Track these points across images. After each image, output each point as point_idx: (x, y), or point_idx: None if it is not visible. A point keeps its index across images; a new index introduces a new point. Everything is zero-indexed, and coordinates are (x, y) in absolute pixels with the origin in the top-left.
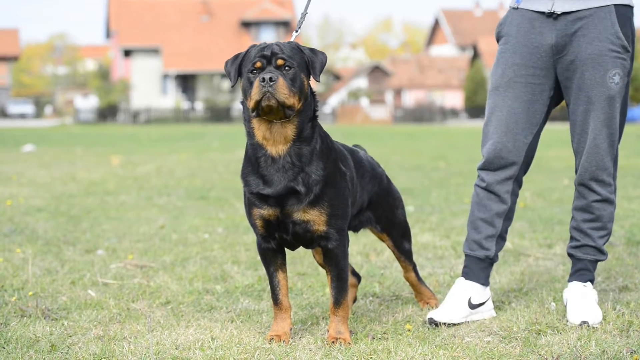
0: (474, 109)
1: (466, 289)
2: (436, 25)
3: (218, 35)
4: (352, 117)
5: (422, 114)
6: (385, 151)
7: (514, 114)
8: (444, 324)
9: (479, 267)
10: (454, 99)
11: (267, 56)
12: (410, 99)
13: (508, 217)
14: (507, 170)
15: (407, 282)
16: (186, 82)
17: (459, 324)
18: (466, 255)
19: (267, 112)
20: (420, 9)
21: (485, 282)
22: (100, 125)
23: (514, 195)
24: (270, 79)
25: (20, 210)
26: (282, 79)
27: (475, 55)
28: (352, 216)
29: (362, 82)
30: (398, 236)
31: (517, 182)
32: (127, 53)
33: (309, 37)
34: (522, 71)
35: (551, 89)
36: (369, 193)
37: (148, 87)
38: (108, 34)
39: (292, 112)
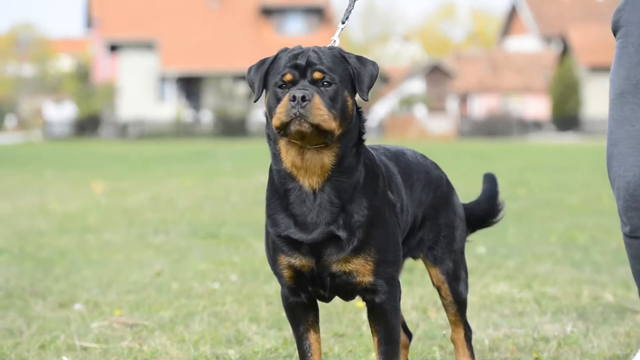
0: (564, 120)
1: None
2: (513, 12)
3: (231, 26)
4: (404, 131)
5: (495, 127)
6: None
7: None
8: None
9: None
10: (537, 107)
11: (301, 67)
12: (479, 107)
13: None
14: None
15: (453, 345)
16: (190, 87)
17: None
18: None
19: (297, 138)
20: None
21: None
22: (78, 142)
23: None
24: (303, 98)
25: None
26: (318, 97)
27: (565, 50)
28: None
29: (417, 86)
30: (452, 272)
31: None
32: (114, 48)
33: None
34: None
35: None
36: (422, 205)
37: (140, 93)
38: (88, 24)
39: (330, 139)
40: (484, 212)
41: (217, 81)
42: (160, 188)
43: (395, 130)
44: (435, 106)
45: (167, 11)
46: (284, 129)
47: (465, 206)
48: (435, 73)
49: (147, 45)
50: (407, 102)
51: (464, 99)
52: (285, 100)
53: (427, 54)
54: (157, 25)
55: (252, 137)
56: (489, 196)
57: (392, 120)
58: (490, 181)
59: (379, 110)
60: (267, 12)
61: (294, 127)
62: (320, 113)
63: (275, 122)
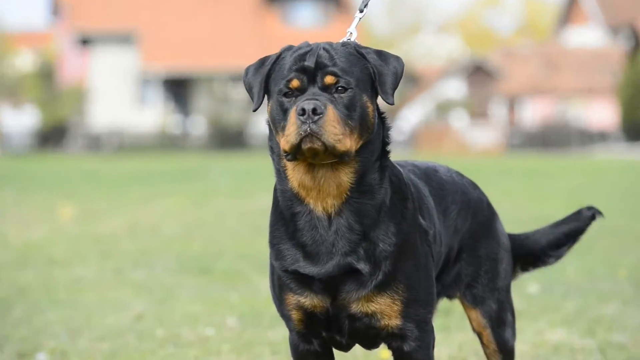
0: (635, 129)
1: None
2: None
3: (228, 16)
4: (438, 143)
5: (550, 138)
6: (491, 196)
7: None
8: None
9: None
10: (602, 114)
11: (310, 70)
12: (532, 113)
13: None
14: None
15: None
16: (178, 89)
17: None
18: None
19: (309, 156)
20: None
21: None
22: (41, 157)
23: None
24: (314, 111)
25: None
26: (332, 109)
27: (637, 44)
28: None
29: (455, 88)
30: (495, 315)
31: None
32: (85, 42)
33: (369, 16)
34: None
35: None
36: (458, 233)
37: (118, 97)
38: (54, 12)
39: (348, 157)
40: (544, 248)
41: (211, 83)
42: (142, 212)
43: (429, 142)
44: (478, 113)
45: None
46: (294, 152)
47: (515, 237)
48: (478, 73)
49: (125, 39)
50: (444, 108)
51: (512, 104)
52: (292, 116)
53: (468, 49)
54: (139, 15)
55: (252, 150)
56: (566, 233)
57: (425, 130)
58: (579, 218)
59: (407, 117)
60: (274, 4)
61: (305, 146)
62: (335, 132)
63: (284, 145)
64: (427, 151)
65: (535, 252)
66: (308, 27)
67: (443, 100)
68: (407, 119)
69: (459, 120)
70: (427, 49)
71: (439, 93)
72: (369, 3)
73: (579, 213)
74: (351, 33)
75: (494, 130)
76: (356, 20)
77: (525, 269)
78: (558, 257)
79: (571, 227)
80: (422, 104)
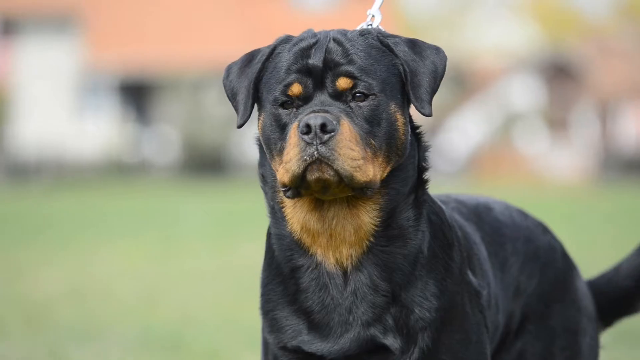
0: None
1: None
2: None
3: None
4: (498, 168)
5: None
6: (575, 248)
7: None
8: None
9: None
10: None
11: (316, 69)
12: (634, 127)
13: None
14: None
15: None
16: (135, 94)
17: None
18: None
19: (317, 190)
20: None
21: None
22: None
23: None
24: (324, 127)
25: None
26: (348, 124)
27: None
28: None
29: (524, 92)
30: None
31: None
32: (8, 28)
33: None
34: None
35: None
36: (521, 295)
37: (52, 105)
38: None
39: (371, 190)
40: (629, 288)
41: (181, 86)
42: (87, 269)
43: (488, 167)
44: (556, 126)
45: None
46: (297, 185)
47: (593, 283)
48: (557, 71)
49: (63, 24)
50: (510, 121)
51: (604, 114)
52: (293, 135)
53: (544, 37)
54: None
55: (236, 179)
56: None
57: (488, 152)
58: None
59: (456, 136)
60: None
61: (311, 176)
62: (353, 155)
63: (283, 175)
64: (483, 179)
65: (625, 294)
66: (317, 11)
67: (511, 113)
68: (452, 138)
69: (530, 137)
70: (483, 37)
71: (500, 98)
72: None
73: None
74: (373, 16)
75: (579, 152)
76: (378, 3)
77: (609, 322)
78: None
79: None
80: (473, 113)
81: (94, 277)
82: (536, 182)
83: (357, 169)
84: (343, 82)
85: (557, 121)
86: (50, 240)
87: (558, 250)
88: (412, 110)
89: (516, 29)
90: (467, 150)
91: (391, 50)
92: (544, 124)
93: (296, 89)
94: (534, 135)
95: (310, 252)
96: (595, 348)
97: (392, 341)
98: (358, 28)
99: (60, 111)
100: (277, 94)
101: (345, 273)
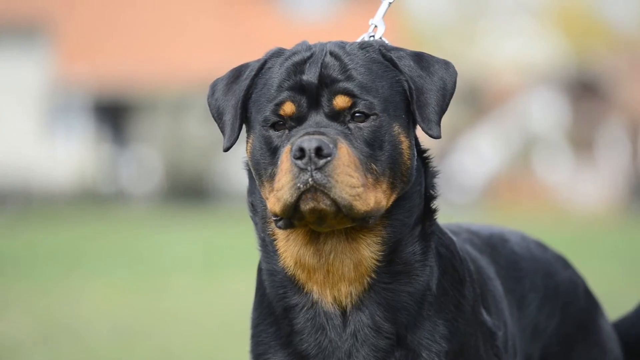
0: None
1: None
2: None
3: (191, 4)
4: (516, 197)
5: None
6: (600, 276)
7: None
8: None
9: None
10: None
11: (311, 86)
12: None
13: None
14: None
15: None
16: (114, 115)
17: None
18: None
19: (312, 221)
20: None
21: None
22: None
23: None
24: (319, 151)
25: None
26: (346, 147)
27: None
28: None
29: (545, 112)
30: None
31: None
32: None
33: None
34: None
35: None
36: (540, 335)
37: (17, 126)
38: None
39: (372, 220)
40: None
41: (160, 104)
42: (58, 308)
43: (501, 197)
44: (582, 148)
45: None
46: (289, 215)
47: (618, 325)
48: (584, 87)
49: (29, 33)
50: (528, 143)
51: (635, 134)
52: (286, 160)
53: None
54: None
55: (222, 206)
56: None
57: (506, 179)
58: None
59: (467, 160)
60: None
61: (305, 206)
62: (352, 182)
63: (274, 204)
64: (499, 213)
65: None
66: (315, 19)
67: (531, 134)
68: (465, 163)
69: (554, 164)
70: (499, 49)
71: (519, 120)
72: None
73: None
74: (376, 26)
75: (606, 178)
76: (384, 6)
77: None
78: None
79: None
80: (490, 137)
81: (66, 317)
82: (559, 212)
83: (357, 198)
84: (341, 101)
85: (582, 143)
86: (16, 277)
87: (580, 287)
88: (419, 131)
89: (537, 40)
90: (481, 177)
91: (395, 65)
92: (568, 147)
93: (288, 108)
94: (557, 160)
95: (306, 289)
96: None
97: None
98: (358, 40)
99: (27, 132)
100: (268, 113)
101: (344, 313)
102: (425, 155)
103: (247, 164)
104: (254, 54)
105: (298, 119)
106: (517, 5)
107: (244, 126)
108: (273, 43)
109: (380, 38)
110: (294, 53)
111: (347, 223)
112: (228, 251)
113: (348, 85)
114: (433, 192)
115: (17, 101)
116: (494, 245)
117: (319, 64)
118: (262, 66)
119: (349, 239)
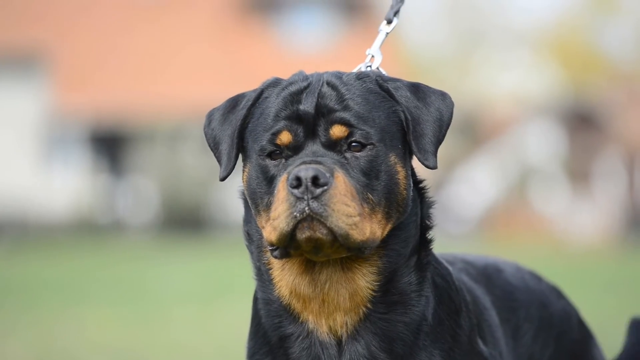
0: None
1: None
2: None
3: (185, 29)
4: (513, 228)
5: None
6: (595, 308)
7: None
8: None
9: None
10: None
11: (307, 116)
12: None
13: None
14: None
15: None
16: (111, 145)
17: None
18: None
19: (308, 250)
20: None
21: None
22: None
23: None
24: (316, 180)
25: None
26: (342, 177)
27: None
28: None
29: (542, 143)
30: None
31: None
32: None
33: (403, 30)
34: None
35: None
36: None
37: (14, 156)
38: None
39: (368, 250)
40: None
41: (159, 134)
42: (53, 341)
43: (497, 228)
44: (578, 179)
45: (67, 2)
46: (285, 244)
47: None
48: (580, 119)
49: (26, 64)
50: (525, 175)
51: (632, 165)
52: (282, 189)
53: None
54: (47, 25)
55: (219, 236)
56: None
57: (494, 209)
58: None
59: (464, 191)
60: (261, 7)
61: (302, 235)
62: (348, 212)
63: (270, 233)
64: (495, 244)
65: None
66: (312, 47)
67: (528, 164)
68: (461, 194)
69: (551, 195)
70: (496, 80)
71: (515, 151)
72: (400, 9)
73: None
74: (373, 56)
75: (603, 209)
76: (381, 36)
77: None
78: None
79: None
80: (487, 168)
81: (61, 350)
82: (555, 243)
83: (353, 227)
84: (337, 131)
85: (579, 175)
86: (11, 309)
87: (574, 317)
88: (415, 162)
89: (534, 71)
90: (477, 207)
91: (391, 96)
92: (565, 178)
93: (285, 137)
94: (553, 191)
95: (301, 319)
96: None
97: None
98: (355, 70)
99: (24, 162)
100: (264, 143)
101: (339, 343)
102: (421, 185)
103: (243, 193)
104: (250, 84)
105: (295, 149)
106: (514, 37)
107: (240, 156)
108: (269, 73)
109: (377, 68)
110: (290, 83)
111: (343, 252)
112: (225, 281)
113: (345, 115)
114: (429, 223)
115: (14, 131)
116: (489, 275)
117: (316, 94)
118: (259, 96)
119: (344, 269)
